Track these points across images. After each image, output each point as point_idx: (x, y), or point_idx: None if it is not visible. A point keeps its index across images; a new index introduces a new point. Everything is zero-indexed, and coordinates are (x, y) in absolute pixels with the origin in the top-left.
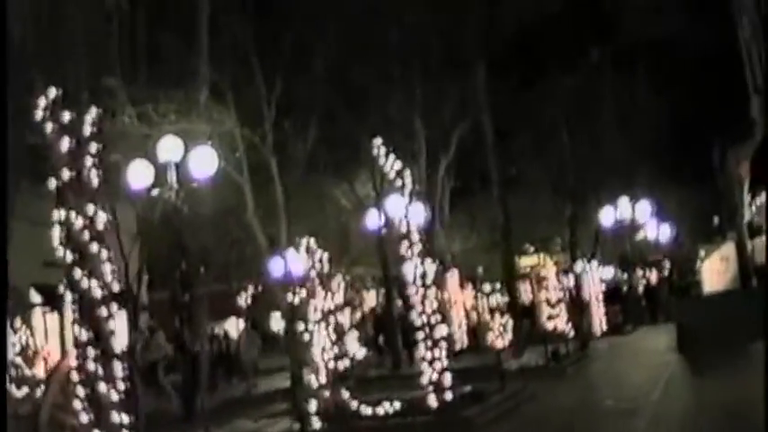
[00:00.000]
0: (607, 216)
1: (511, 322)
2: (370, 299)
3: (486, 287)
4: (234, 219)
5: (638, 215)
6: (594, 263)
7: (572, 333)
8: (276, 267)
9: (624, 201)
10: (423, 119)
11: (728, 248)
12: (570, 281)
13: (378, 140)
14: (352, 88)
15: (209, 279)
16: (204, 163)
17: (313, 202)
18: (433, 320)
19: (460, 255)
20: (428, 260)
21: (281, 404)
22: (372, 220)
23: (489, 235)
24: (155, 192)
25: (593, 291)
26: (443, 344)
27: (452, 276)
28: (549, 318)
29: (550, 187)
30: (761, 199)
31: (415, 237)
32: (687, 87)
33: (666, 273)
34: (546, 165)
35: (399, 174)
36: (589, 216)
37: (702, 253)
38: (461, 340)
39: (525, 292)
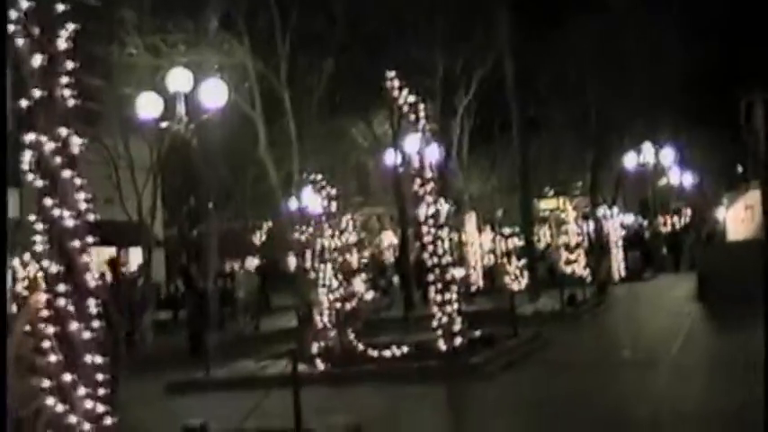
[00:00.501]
0: (630, 160)
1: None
2: (390, 238)
3: (506, 230)
4: (247, 154)
5: (661, 160)
6: (615, 208)
7: (590, 278)
8: (290, 204)
9: (648, 146)
10: (443, 56)
11: (754, 196)
12: (590, 225)
13: (391, 73)
14: (369, 24)
15: (220, 215)
16: (214, 95)
17: (330, 139)
18: (444, 262)
19: (479, 197)
20: (441, 200)
21: (288, 344)
22: (390, 158)
23: (509, 177)
24: (164, 124)
25: (614, 236)
26: (454, 286)
27: (470, 218)
28: (568, 262)
29: (573, 130)
30: None
31: (428, 175)
32: (717, 32)
33: (689, 220)
34: (569, 107)
35: (413, 107)
36: (611, 160)
37: (726, 201)
38: (477, 282)
39: (545, 235)
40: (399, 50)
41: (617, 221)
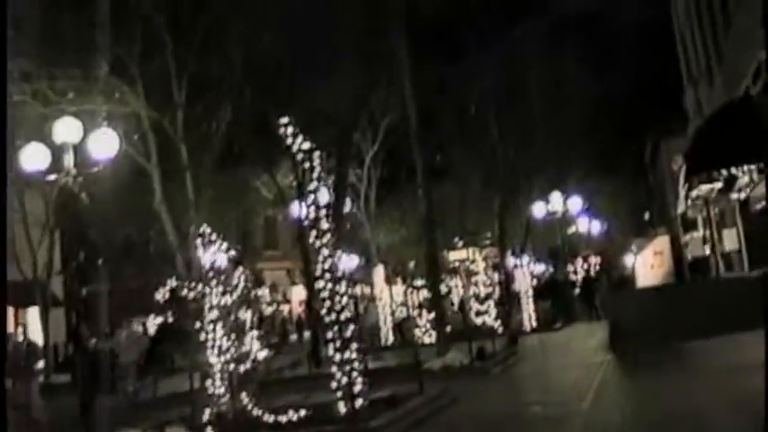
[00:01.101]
0: (538, 209)
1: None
2: (300, 293)
3: (418, 282)
4: (147, 208)
5: (569, 208)
6: (525, 256)
7: (501, 329)
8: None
9: (556, 194)
10: (347, 105)
11: (662, 242)
12: (499, 276)
13: (284, 119)
14: (268, 70)
15: (119, 272)
16: (104, 145)
17: (234, 192)
18: (342, 318)
19: (389, 248)
20: (338, 252)
21: (183, 410)
22: (296, 210)
23: (418, 228)
24: (51, 177)
25: (524, 285)
26: (354, 344)
27: (378, 271)
28: (478, 313)
29: (479, 177)
30: (697, 191)
31: (324, 226)
32: (620, 74)
33: (597, 268)
34: (474, 154)
35: (308, 156)
36: (519, 207)
37: (635, 247)
38: (387, 336)
39: (456, 287)
40: (303, 100)
41: (526, 270)
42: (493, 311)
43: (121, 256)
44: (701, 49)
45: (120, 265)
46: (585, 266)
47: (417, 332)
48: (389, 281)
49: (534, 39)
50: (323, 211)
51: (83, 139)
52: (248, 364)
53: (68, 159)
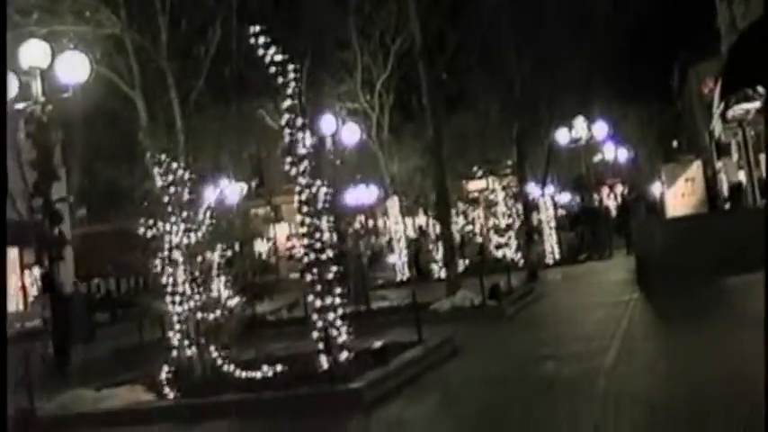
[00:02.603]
0: (562, 136)
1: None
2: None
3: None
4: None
5: (594, 135)
6: (548, 186)
7: (522, 262)
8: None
9: (580, 120)
10: (357, 29)
11: (694, 168)
12: (520, 206)
13: (255, 27)
14: None
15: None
16: (73, 69)
17: (240, 124)
18: (323, 257)
19: (409, 179)
20: (318, 182)
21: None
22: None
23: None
24: (19, 105)
25: (546, 216)
26: (337, 288)
27: (393, 203)
28: (498, 246)
29: (498, 104)
30: (733, 112)
31: (300, 151)
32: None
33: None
34: (492, 79)
35: (281, 69)
36: (540, 134)
37: (664, 174)
38: (402, 271)
39: (479, 217)
40: (306, 21)
41: (548, 200)
42: (513, 244)
43: (103, 196)
44: None
45: (104, 206)
46: (617, 194)
47: (434, 266)
48: (409, 212)
49: None
50: (299, 134)
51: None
52: (217, 313)
53: (36, 86)
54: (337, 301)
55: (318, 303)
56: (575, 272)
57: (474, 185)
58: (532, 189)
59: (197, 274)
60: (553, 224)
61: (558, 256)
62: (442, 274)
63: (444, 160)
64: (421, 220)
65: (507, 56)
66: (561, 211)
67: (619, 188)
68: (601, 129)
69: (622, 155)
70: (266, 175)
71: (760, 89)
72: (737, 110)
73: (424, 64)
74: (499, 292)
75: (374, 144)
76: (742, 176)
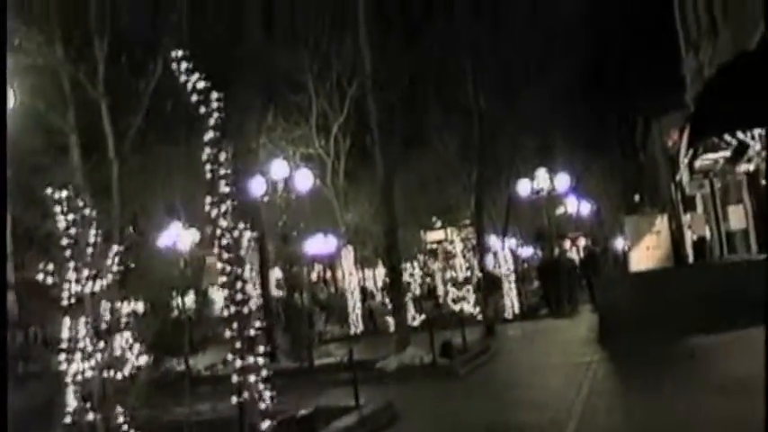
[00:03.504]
0: (523, 187)
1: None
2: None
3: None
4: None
5: (557, 187)
6: (508, 237)
7: (480, 316)
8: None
9: (542, 171)
10: (313, 75)
11: (659, 221)
12: (478, 258)
13: (177, 52)
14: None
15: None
16: None
17: (192, 166)
18: (245, 311)
19: (362, 227)
20: (241, 225)
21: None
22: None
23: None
24: None
25: (506, 269)
26: (260, 346)
27: (347, 253)
28: (456, 300)
29: (458, 152)
30: (701, 161)
31: (222, 189)
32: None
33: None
34: (451, 118)
35: (204, 97)
36: (500, 184)
37: (628, 227)
38: (356, 324)
39: (438, 270)
40: (259, 63)
41: (508, 253)
42: (472, 297)
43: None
44: (702, 6)
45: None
46: (580, 247)
47: (389, 319)
48: (368, 263)
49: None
50: (221, 170)
51: None
52: (124, 372)
53: None
54: (260, 361)
55: (239, 363)
56: (535, 328)
57: (432, 236)
58: (493, 241)
59: (103, 326)
60: (513, 278)
61: (517, 311)
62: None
63: (401, 210)
64: (380, 271)
65: (465, 91)
66: (524, 265)
67: (581, 241)
68: (563, 181)
69: (585, 208)
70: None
71: (728, 138)
72: (705, 159)
73: (374, 96)
74: (451, 350)
75: (329, 191)
76: (707, 231)
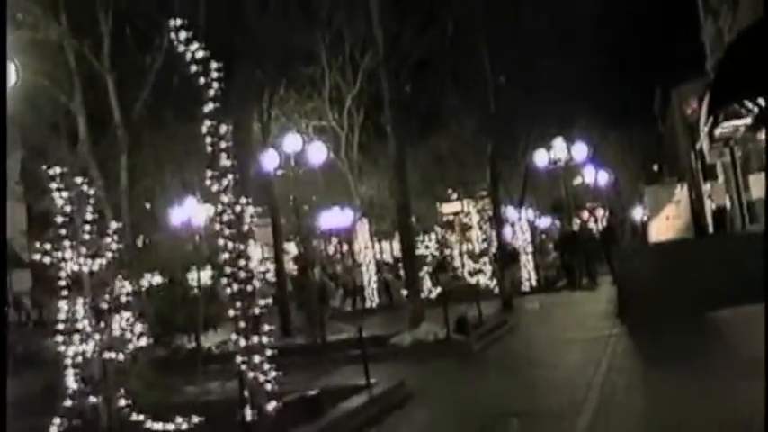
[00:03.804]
0: (540, 157)
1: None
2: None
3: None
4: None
5: (574, 157)
6: (525, 209)
7: (497, 289)
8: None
9: (559, 141)
10: (326, 47)
11: (679, 190)
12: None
13: (175, 21)
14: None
15: None
16: None
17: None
18: (248, 288)
19: (379, 200)
20: (243, 200)
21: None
22: (267, 160)
23: (412, 179)
24: None
25: (523, 241)
26: (265, 325)
27: (362, 226)
28: (472, 272)
29: (474, 121)
30: (721, 129)
31: (224, 163)
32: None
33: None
34: (467, 95)
35: (204, 67)
36: (517, 155)
37: (647, 197)
38: (372, 298)
39: (455, 242)
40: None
41: (525, 224)
42: (488, 270)
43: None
44: None
45: None
46: (598, 218)
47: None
48: (386, 236)
49: None
50: (222, 143)
51: None
52: (124, 354)
53: None
54: (265, 339)
55: (243, 343)
56: (552, 300)
57: (449, 208)
58: (510, 213)
59: (103, 307)
60: (530, 249)
61: (535, 283)
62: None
63: (417, 182)
64: (397, 243)
65: (481, 69)
66: (542, 236)
67: (599, 212)
68: (580, 151)
69: (603, 178)
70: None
71: (749, 104)
72: (726, 127)
73: (387, 74)
74: (467, 325)
75: (343, 164)
76: (728, 200)
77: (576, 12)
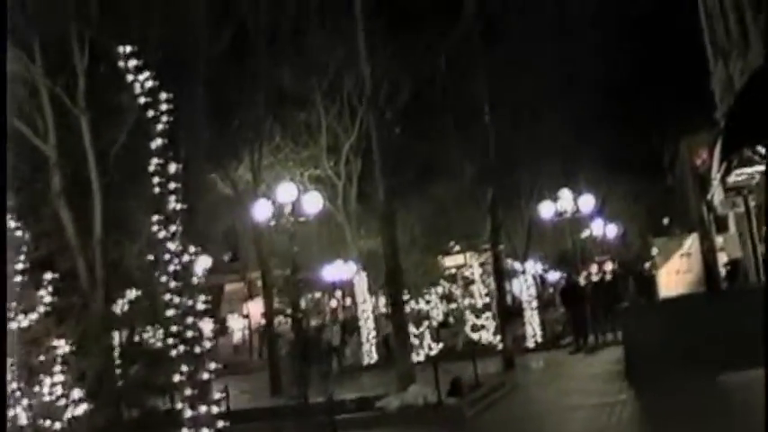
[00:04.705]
0: (545, 208)
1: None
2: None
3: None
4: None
5: (581, 209)
6: (530, 262)
7: (501, 345)
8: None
9: (565, 192)
10: (322, 93)
11: (690, 242)
12: (499, 283)
13: (124, 47)
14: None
15: None
16: None
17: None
18: (198, 350)
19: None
20: (192, 249)
21: None
22: (257, 211)
23: (414, 231)
24: None
25: (527, 295)
26: (214, 394)
27: (360, 279)
28: (474, 328)
29: (474, 168)
30: (735, 176)
31: (171, 205)
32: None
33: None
34: (467, 138)
35: (153, 98)
36: (521, 207)
37: (657, 249)
38: (370, 354)
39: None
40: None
41: (529, 278)
42: (492, 325)
43: None
44: (732, 15)
45: None
46: (606, 271)
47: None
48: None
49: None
50: (171, 184)
51: None
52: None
53: None
54: (215, 409)
55: (189, 414)
56: (557, 359)
57: (451, 261)
58: (516, 266)
59: (37, 365)
60: (535, 304)
61: (540, 339)
62: (414, 357)
63: (418, 235)
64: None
65: (479, 111)
66: (550, 290)
67: (608, 266)
68: (587, 202)
69: (611, 231)
70: (241, 250)
71: (762, 150)
72: (739, 174)
73: (375, 112)
74: (461, 387)
75: (340, 215)
76: (740, 252)
77: (579, 55)
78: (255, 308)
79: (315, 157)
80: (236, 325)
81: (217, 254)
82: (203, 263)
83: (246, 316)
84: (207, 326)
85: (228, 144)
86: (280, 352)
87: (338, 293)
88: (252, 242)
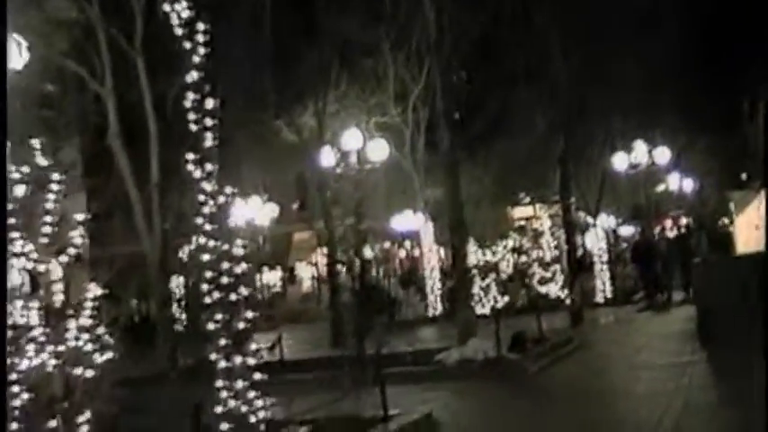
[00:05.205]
0: (619, 160)
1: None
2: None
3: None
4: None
5: (657, 161)
6: (601, 215)
7: (569, 300)
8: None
9: (640, 144)
10: (390, 42)
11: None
12: (569, 236)
13: None
14: None
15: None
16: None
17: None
18: (233, 298)
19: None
20: (227, 190)
21: None
22: (324, 158)
23: (477, 182)
24: None
25: (598, 249)
26: (251, 344)
27: (426, 229)
28: (542, 281)
29: (545, 119)
30: None
31: (206, 143)
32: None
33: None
34: (539, 94)
35: (189, 29)
36: (594, 158)
37: (734, 203)
38: (434, 306)
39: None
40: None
41: (600, 231)
42: (560, 279)
43: None
44: None
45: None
46: (680, 226)
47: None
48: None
49: None
50: (208, 120)
51: None
52: (87, 370)
53: None
54: (251, 360)
55: (224, 364)
56: (627, 315)
57: (520, 213)
58: (588, 220)
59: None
60: (606, 258)
61: (610, 295)
62: (479, 309)
63: (488, 185)
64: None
65: (551, 57)
66: (623, 245)
67: (683, 221)
68: (663, 155)
69: (687, 185)
70: (309, 198)
71: None
72: None
73: (439, 61)
74: (524, 342)
75: (407, 163)
76: None
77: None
78: (323, 257)
79: (382, 104)
80: (305, 274)
81: (285, 202)
82: (270, 211)
83: (315, 264)
84: (275, 275)
85: (293, 90)
86: (342, 302)
87: (407, 244)
88: (316, 190)
